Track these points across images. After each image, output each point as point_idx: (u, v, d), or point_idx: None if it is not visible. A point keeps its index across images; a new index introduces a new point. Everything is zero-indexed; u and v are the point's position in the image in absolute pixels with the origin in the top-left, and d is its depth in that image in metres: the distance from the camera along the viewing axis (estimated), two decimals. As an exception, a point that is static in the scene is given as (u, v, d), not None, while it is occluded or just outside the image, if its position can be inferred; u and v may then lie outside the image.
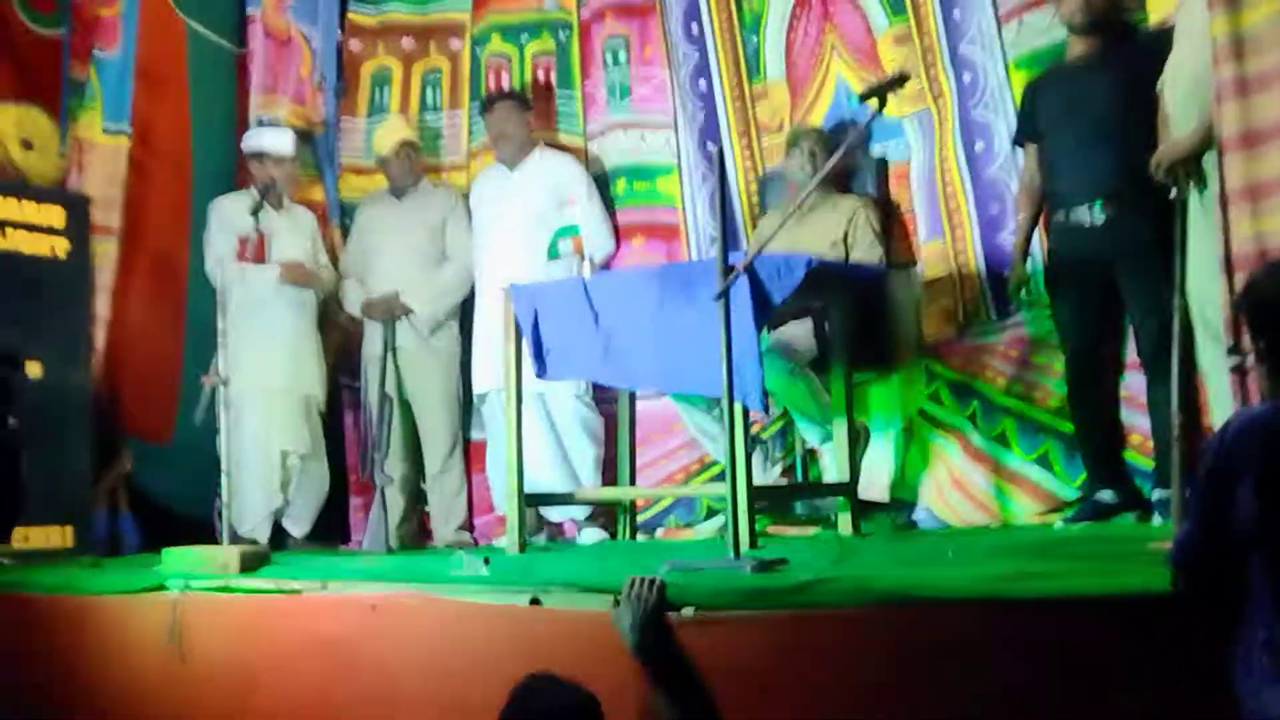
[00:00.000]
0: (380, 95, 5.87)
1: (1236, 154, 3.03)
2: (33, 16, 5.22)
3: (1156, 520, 3.88)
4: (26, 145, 5.08)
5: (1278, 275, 2.20)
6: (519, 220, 5.14)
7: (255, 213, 4.55)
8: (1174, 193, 3.43)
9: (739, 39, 5.28)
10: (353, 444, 5.63)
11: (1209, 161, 3.28)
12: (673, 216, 5.30)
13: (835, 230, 4.56)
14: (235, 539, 4.38)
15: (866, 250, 4.52)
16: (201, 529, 4.79)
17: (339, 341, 5.65)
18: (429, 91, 5.86)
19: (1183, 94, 3.44)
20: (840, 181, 4.78)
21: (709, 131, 5.23)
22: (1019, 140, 4.42)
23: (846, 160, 4.59)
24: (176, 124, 5.64)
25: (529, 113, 5.37)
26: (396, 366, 5.27)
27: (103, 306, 5.12)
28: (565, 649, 2.83)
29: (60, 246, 4.88)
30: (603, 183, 5.38)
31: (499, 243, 5.18)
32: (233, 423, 4.44)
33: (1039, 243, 4.37)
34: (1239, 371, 2.99)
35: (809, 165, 4.63)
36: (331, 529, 5.56)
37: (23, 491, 3.32)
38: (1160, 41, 3.83)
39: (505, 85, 5.65)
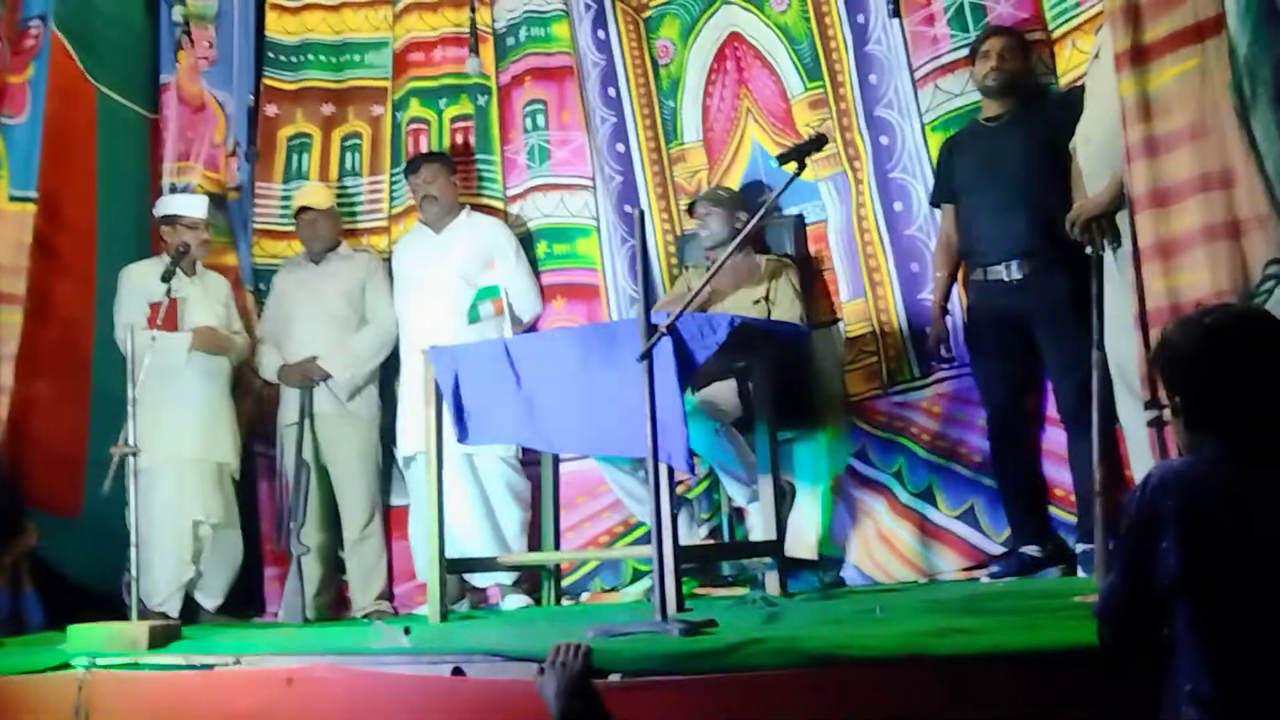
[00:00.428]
0: (298, 160, 5.81)
1: (1147, 212, 3.09)
2: (-66, 85, 5.11)
3: (1081, 574, 3.90)
4: (-78, 218, 4.95)
5: (1189, 330, 2.23)
6: (444, 282, 5.08)
7: (167, 278, 4.46)
8: (1089, 250, 3.49)
9: (656, 103, 5.34)
10: (268, 512, 5.50)
11: (1123, 219, 3.35)
12: (592, 278, 5.30)
13: (756, 290, 4.57)
14: (145, 613, 4.25)
15: (787, 309, 4.53)
16: (109, 604, 4.63)
17: (253, 408, 5.54)
18: (348, 156, 5.82)
19: (1095, 153, 3.52)
20: (757, 242, 4.80)
21: (627, 194, 5.26)
22: (935, 200, 4.49)
23: (764, 221, 4.64)
24: (84, 190, 5.53)
25: (455, 174, 5.35)
26: (314, 432, 5.18)
27: (6, 375, 4.95)
28: (490, 719, 2.76)
29: (-37, 315, 4.73)
30: (526, 244, 5.36)
31: (424, 305, 5.13)
32: (143, 493, 4.31)
33: (958, 300, 4.43)
34: (1157, 425, 3.03)
35: (722, 226, 4.64)
36: (246, 600, 5.41)
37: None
38: (1071, 101, 3.94)
39: (425, 149, 5.62)
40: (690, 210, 4.86)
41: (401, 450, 5.20)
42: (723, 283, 4.60)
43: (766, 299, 4.56)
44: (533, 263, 5.34)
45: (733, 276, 4.63)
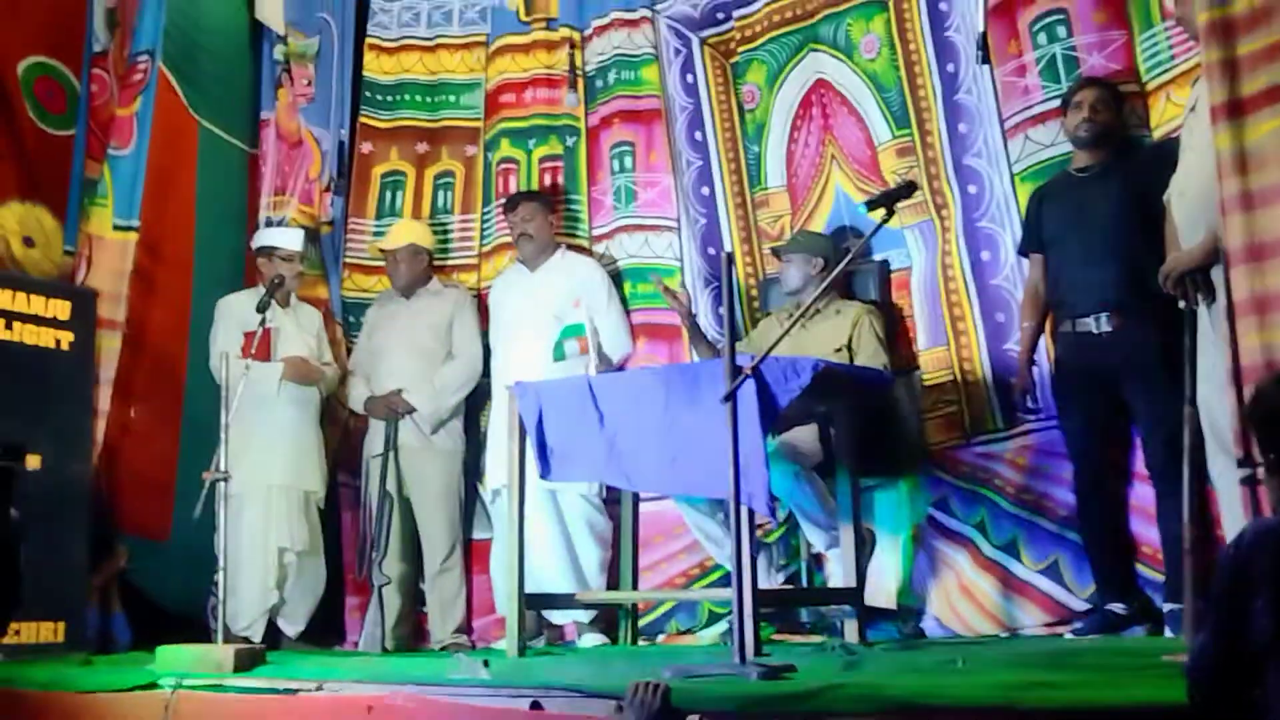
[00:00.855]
0: (392, 197, 5.93)
1: (1242, 267, 3.04)
2: (43, 117, 5.30)
3: (1168, 633, 3.83)
4: (28, 243, 5.11)
5: None
6: (537, 320, 5.13)
7: (263, 308, 4.56)
8: (1182, 304, 3.45)
9: (741, 147, 5.38)
10: (351, 542, 5.57)
11: (1217, 274, 3.30)
12: (674, 319, 5.31)
13: (839, 336, 4.57)
14: (229, 637, 4.32)
15: (870, 357, 4.52)
16: (193, 627, 4.72)
17: (340, 439, 5.64)
18: (440, 194, 5.92)
19: (1190, 206, 3.48)
20: (842, 288, 4.80)
21: (711, 236, 5.29)
22: (1024, 250, 4.46)
23: (849, 267, 4.64)
24: (183, 222, 5.70)
25: (553, 214, 5.42)
26: (398, 464, 5.25)
27: (104, 400, 5.10)
28: (567, 754, 2.77)
29: (65, 339, 4.88)
30: (617, 284, 5.40)
31: (517, 342, 5.18)
32: (231, 518, 4.40)
33: (1044, 352, 4.39)
34: (1250, 483, 2.97)
35: (801, 271, 4.65)
36: (327, 628, 5.48)
37: (20, 586, 3.26)
38: (1164, 154, 3.90)
39: (513, 189, 5.70)
40: (775, 254, 4.89)
41: (490, 484, 5.25)
42: (805, 329, 4.60)
43: (849, 346, 4.55)
44: (623, 302, 5.38)
45: (816, 323, 4.63)
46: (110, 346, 5.15)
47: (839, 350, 4.53)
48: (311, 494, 5.31)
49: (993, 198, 4.67)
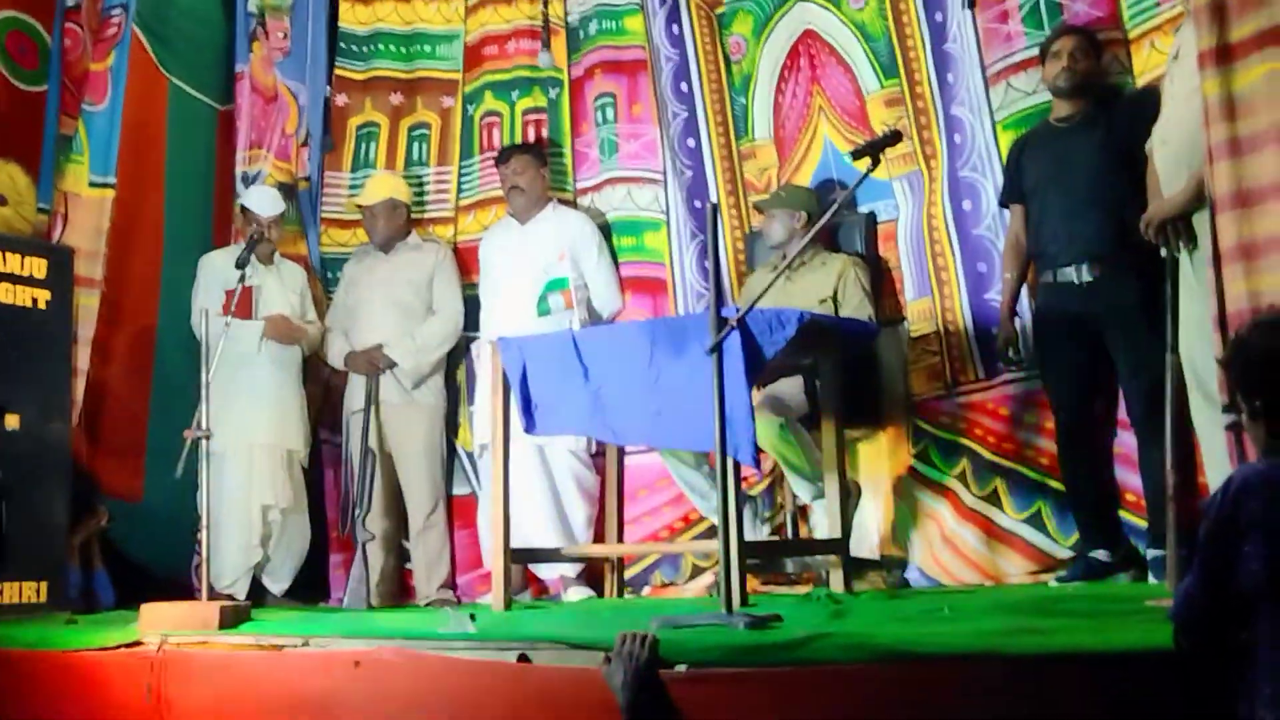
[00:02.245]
0: (366, 150, 5.87)
1: (1229, 213, 3.04)
2: (15, 73, 5.22)
3: (1152, 579, 3.86)
4: (0, 201, 5.05)
5: (1266, 331, 2.20)
6: (527, 274, 5.10)
7: (242, 265, 4.52)
8: (1164, 252, 3.45)
9: (728, 99, 5.32)
10: (334, 500, 5.57)
11: (1199, 221, 3.30)
12: (659, 272, 5.30)
13: (824, 288, 4.56)
14: (213, 595, 4.31)
15: (856, 308, 4.51)
16: (173, 587, 4.71)
17: (321, 395, 5.61)
18: (415, 146, 5.87)
19: (1172, 154, 3.47)
20: (828, 239, 4.79)
21: (697, 189, 5.25)
22: (1004, 201, 4.45)
23: (835, 219, 4.62)
24: (153, 180, 5.65)
25: (545, 167, 5.37)
26: (379, 420, 5.24)
27: (83, 359, 5.07)
28: (555, 706, 2.79)
29: (42, 298, 4.83)
30: (606, 238, 5.37)
31: (506, 296, 5.16)
32: (212, 477, 4.38)
33: (1026, 302, 4.39)
34: (1235, 430, 2.98)
35: (785, 225, 4.64)
36: (311, 586, 5.48)
37: (3, 545, 3.25)
38: (1145, 102, 3.89)
39: (498, 141, 5.65)
40: (758, 209, 4.86)
41: (476, 439, 5.24)
42: (790, 281, 4.59)
43: (834, 298, 4.54)
44: (612, 256, 5.35)
45: (801, 275, 4.62)
46: (88, 305, 5.12)
47: (824, 302, 4.52)
48: (294, 452, 5.30)
49: (975, 146, 4.65)
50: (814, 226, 4.21)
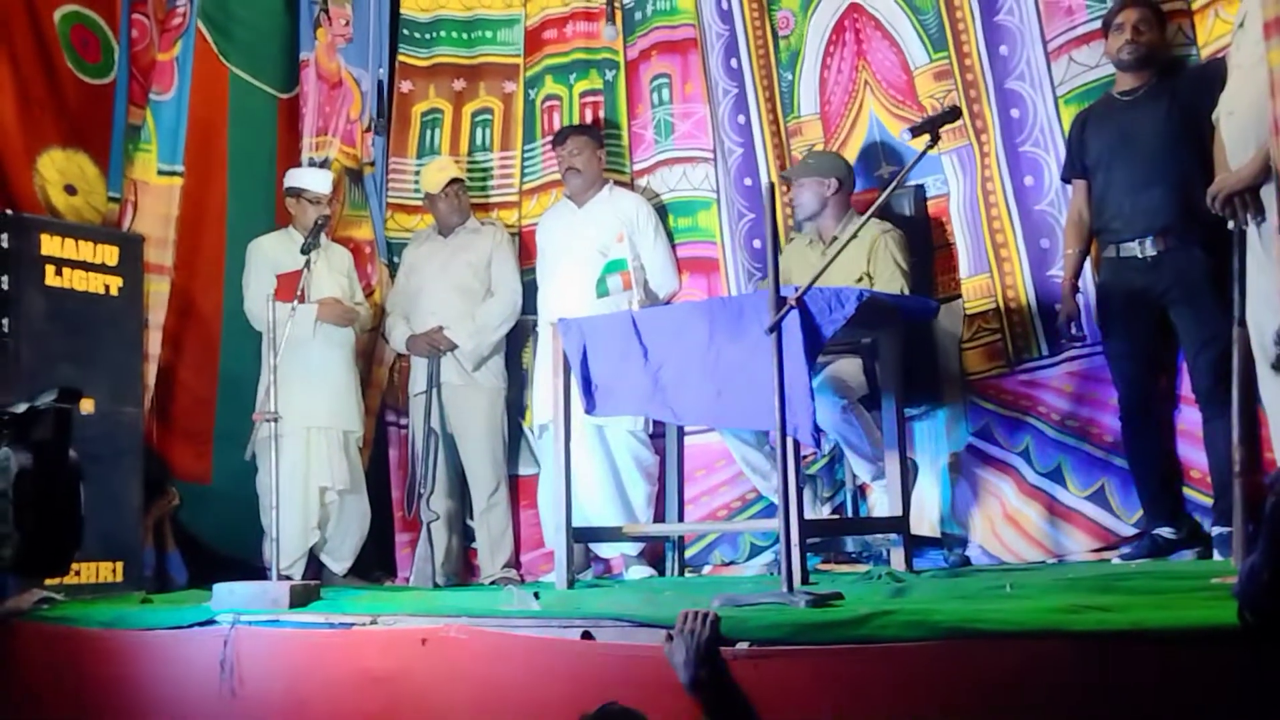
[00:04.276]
0: (431, 136, 5.93)
1: (1296, 186, 2.99)
2: (80, 66, 5.31)
3: (1217, 556, 3.82)
4: (70, 190, 5.16)
5: None
6: (583, 256, 5.10)
7: (308, 250, 4.57)
8: (1231, 225, 3.40)
9: (775, 75, 5.30)
10: (399, 481, 5.64)
11: (1268, 193, 3.25)
12: (712, 251, 5.31)
13: (858, 263, 4.44)
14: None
15: (887, 281, 4.41)
16: (241, 567, 4.79)
17: (387, 378, 5.69)
18: (479, 132, 5.91)
19: (1239, 125, 3.40)
20: (861, 206, 4.73)
21: (747, 166, 5.23)
22: (1067, 176, 4.41)
23: (889, 196, 4.58)
24: (216, 169, 5.74)
25: (601, 149, 5.39)
26: (440, 402, 5.29)
27: (154, 344, 5.17)
28: (618, 683, 2.80)
29: (114, 284, 4.94)
30: (662, 219, 5.38)
31: (563, 277, 5.19)
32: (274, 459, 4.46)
33: (1089, 277, 4.35)
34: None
35: (813, 196, 4.60)
36: (375, 565, 5.57)
37: (82, 526, 3.34)
38: (1210, 73, 3.82)
39: (558, 125, 5.67)
40: (785, 180, 4.82)
41: (536, 419, 5.28)
42: (825, 257, 4.54)
43: (868, 273, 4.45)
44: (669, 236, 5.36)
45: (836, 249, 4.56)
46: (158, 291, 5.21)
47: (859, 280, 4.42)
48: (350, 433, 5.37)
49: (1036, 121, 4.59)
50: (843, 194, 4.29)
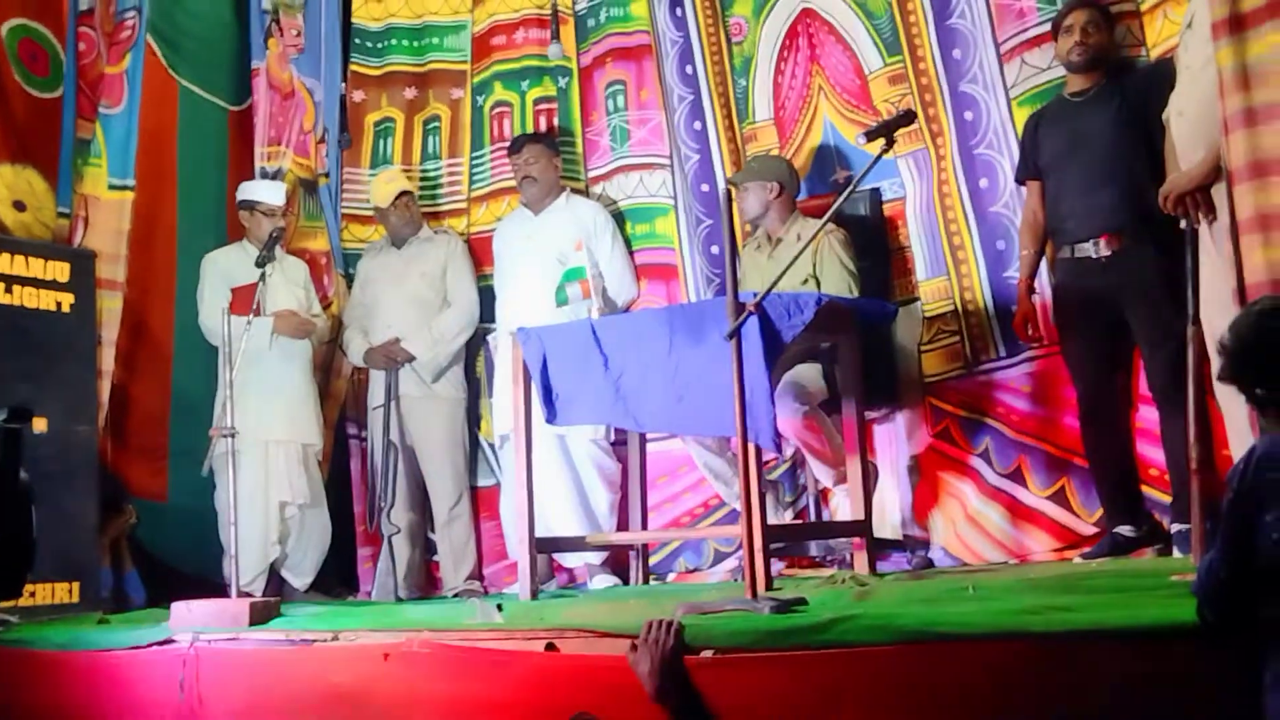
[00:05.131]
0: (383, 145, 5.90)
1: (1246, 184, 3.03)
2: (29, 80, 5.25)
3: (1176, 554, 3.85)
4: (19, 206, 5.09)
5: (1241, 323, 2.21)
6: (541, 264, 5.09)
7: (262, 264, 4.53)
8: (1183, 224, 3.43)
9: (730, 81, 5.30)
10: (360, 494, 5.60)
11: (1218, 193, 3.28)
12: (671, 257, 5.31)
13: (804, 265, 4.45)
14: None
15: (835, 283, 4.42)
16: (200, 585, 4.74)
17: (346, 391, 5.65)
18: (429, 140, 5.89)
19: (1188, 126, 3.45)
20: (806, 208, 4.76)
21: (704, 172, 5.24)
22: (1021, 178, 4.44)
23: (844, 200, 4.58)
24: (167, 182, 5.69)
25: (557, 157, 5.38)
26: (400, 414, 5.26)
27: (107, 361, 5.11)
28: (584, 694, 2.79)
29: (65, 301, 4.88)
30: (619, 226, 5.38)
31: (521, 286, 5.17)
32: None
33: (1045, 278, 4.38)
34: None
35: (757, 199, 4.62)
36: (337, 579, 5.52)
37: (34, 547, 3.29)
38: (1159, 74, 3.87)
39: (508, 132, 5.66)
40: (731, 185, 4.83)
41: (496, 430, 5.26)
42: (772, 260, 4.57)
43: (814, 275, 4.46)
44: (626, 244, 5.35)
45: (782, 251, 4.57)
46: (111, 307, 5.15)
47: (805, 282, 4.43)
48: (309, 447, 5.33)
49: (990, 124, 4.63)
50: (785, 196, 4.33)
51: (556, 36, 5.61)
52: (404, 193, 5.42)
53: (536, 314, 4.83)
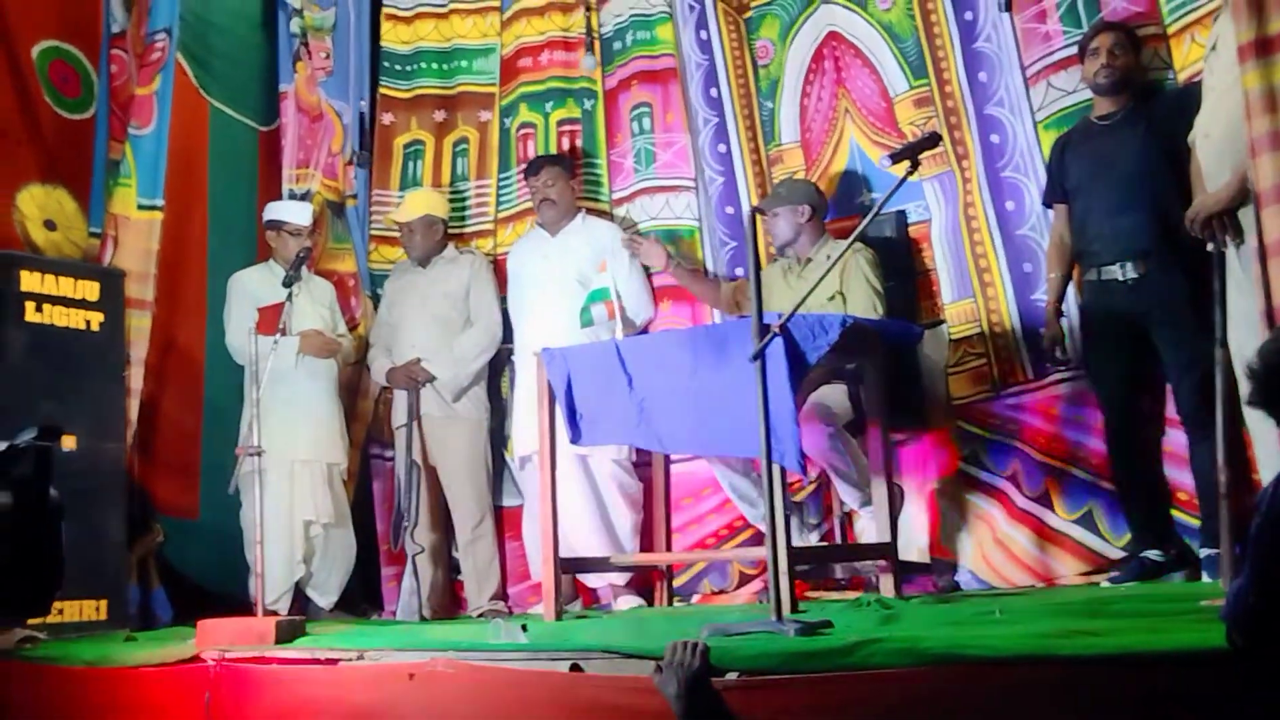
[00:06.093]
0: (413, 167, 5.93)
1: (1275, 207, 3.02)
2: (59, 100, 5.32)
3: (1205, 578, 3.82)
4: (50, 226, 5.15)
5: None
6: (559, 285, 5.11)
7: (289, 284, 4.55)
8: (1210, 247, 3.42)
9: (756, 104, 5.32)
10: (384, 514, 5.61)
11: (1245, 215, 3.27)
12: (697, 280, 5.30)
13: (830, 284, 4.44)
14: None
15: (861, 301, 4.41)
16: (227, 603, 4.76)
17: (372, 411, 5.67)
18: (459, 162, 5.93)
19: (1215, 148, 3.44)
20: (834, 231, 4.76)
21: (728, 195, 5.25)
22: (1048, 201, 4.44)
23: (869, 223, 4.58)
24: (198, 202, 5.75)
25: (575, 178, 5.40)
26: (422, 434, 5.27)
27: (136, 379, 5.15)
28: (608, 715, 2.79)
29: (95, 320, 4.92)
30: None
31: (539, 308, 5.18)
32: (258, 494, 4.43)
33: (1073, 300, 4.36)
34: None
35: (787, 224, 4.62)
36: (362, 599, 5.53)
37: (62, 565, 3.32)
38: (1186, 97, 3.87)
39: (532, 153, 5.69)
40: (759, 212, 4.82)
41: (517, 451, 5.26)
42: (802, 279, 4.57)
43: (840, 292, 4.46)
44: (644, 265, 5.37)
45: (810, 271, 4.57)
46: (140, 326, 5.20)
47: (831, 299, 4.43)
48: (334, 466, 5.35)
49: (1016, 147, 4.63)
50: (818, 220, 4.30)
51: (590, 49, 5.62)
52: (429, 218, 5.41)
53: (555, 335, 4.83)
